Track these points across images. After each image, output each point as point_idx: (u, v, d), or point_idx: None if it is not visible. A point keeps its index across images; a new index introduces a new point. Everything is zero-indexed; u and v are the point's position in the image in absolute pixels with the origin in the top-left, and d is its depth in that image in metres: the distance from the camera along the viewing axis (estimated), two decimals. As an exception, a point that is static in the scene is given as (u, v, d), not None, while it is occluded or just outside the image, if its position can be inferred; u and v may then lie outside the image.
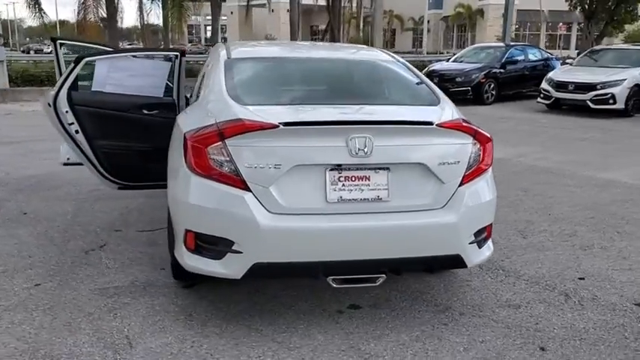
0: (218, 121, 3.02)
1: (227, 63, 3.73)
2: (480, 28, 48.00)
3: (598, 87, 12.61)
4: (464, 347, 3.05)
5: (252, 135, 2.90)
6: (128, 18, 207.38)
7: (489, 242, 3.38)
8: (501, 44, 17.25)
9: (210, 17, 33.43)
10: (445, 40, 54.43)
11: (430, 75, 14.30)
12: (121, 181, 4.63)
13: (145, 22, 34.82)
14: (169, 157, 3.52)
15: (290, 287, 3.65)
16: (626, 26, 25.00)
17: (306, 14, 62.54)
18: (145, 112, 4.46)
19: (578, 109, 12.94)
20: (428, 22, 49.04)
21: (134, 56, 4.78)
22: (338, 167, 2.95)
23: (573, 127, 11.38)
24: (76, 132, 4.34)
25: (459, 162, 3.08)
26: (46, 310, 3.39)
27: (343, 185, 2.96)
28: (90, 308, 3.41)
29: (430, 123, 3.06)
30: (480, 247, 3.21)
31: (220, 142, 2.93)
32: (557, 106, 13.37)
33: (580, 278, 3.98)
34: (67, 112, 4.28)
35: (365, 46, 5.52)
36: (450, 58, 17.32)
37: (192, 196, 3.04)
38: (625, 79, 12.57)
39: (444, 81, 14.40)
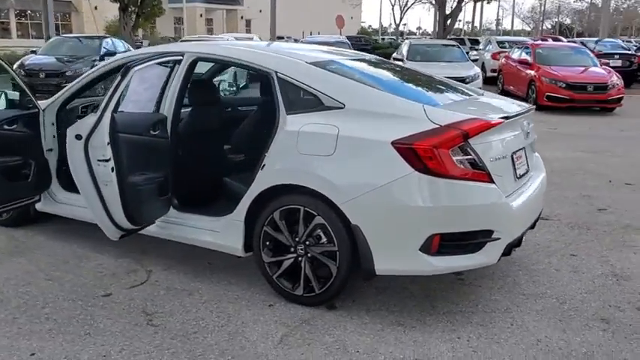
0: (447, 123, 3.12)
1: (324, 66, 3.60)
2: None
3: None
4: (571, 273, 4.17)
5: (488, 132, 3.20)
6: None
7: None
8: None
9: None
10: None
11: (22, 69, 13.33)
12: (135, 226, 3.47)
13: None
14: (347, 173, 3.19)
15: (395, 278, 3.76)
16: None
17: None
18: (152, 132, 3.51)
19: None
20: None
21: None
22: (521, 149, 3.56)
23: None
24: (112, 170, 3.07)
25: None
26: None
27: (516, 165, 3.58)
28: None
29: (534, 107, 3.97)
30: None
31: (464, 142, 3.11)
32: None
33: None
34: (108, 144, 3.00)
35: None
36: (35, 51, 15.61)
37: (440, 200, 3.08)
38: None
39: (31, 76, 13.12)
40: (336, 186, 3.21)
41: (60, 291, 3.63)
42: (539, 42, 18.33)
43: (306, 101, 3.47)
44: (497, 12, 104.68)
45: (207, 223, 3.76)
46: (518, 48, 16.50)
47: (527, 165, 3.78)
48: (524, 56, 15.06)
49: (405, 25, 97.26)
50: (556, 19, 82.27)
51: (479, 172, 3.16)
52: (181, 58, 3.81)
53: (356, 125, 3.24)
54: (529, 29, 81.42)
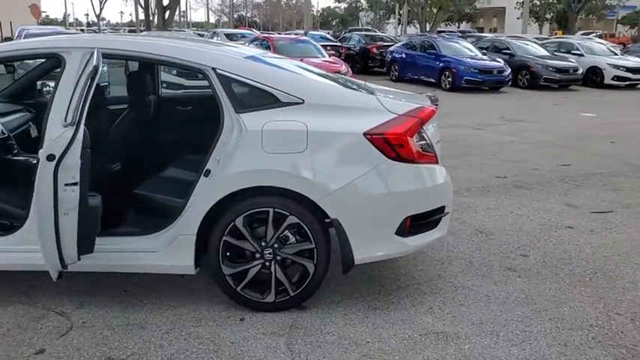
0: (404, 112, 3.30)
1: (260, 61, 3.46)
2: None
3: None
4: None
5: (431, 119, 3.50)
6: None
7: None
8: None
9: None
10: None
11: None
12: (77, 259, 2.79)
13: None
14: (322, 170, 3.16)
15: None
16: None
17: None
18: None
19: None
20: None
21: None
22: None
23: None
24: (82, 198, 2.42)
25: None
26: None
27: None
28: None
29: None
30: None
31: (420, 129, 3.36)
32: None
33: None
34: (82, 164, 2.35)
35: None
36: None
37: (411, 184, 3.28)
38: None
39: None
40: (312, 182, 3.16)
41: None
42: (274, 35, 19.44)
43: (259, 98, 3.27)
44: (186, 4, 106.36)
45: (137, 243, 3.29)
46: (252, 41, 17.24)
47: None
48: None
49: (87, 15, 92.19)
50: (243, 12, 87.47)
51: (431, 155, 3.45)
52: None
53: (322, 120, 3.22)
54: (213, 21, 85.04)
